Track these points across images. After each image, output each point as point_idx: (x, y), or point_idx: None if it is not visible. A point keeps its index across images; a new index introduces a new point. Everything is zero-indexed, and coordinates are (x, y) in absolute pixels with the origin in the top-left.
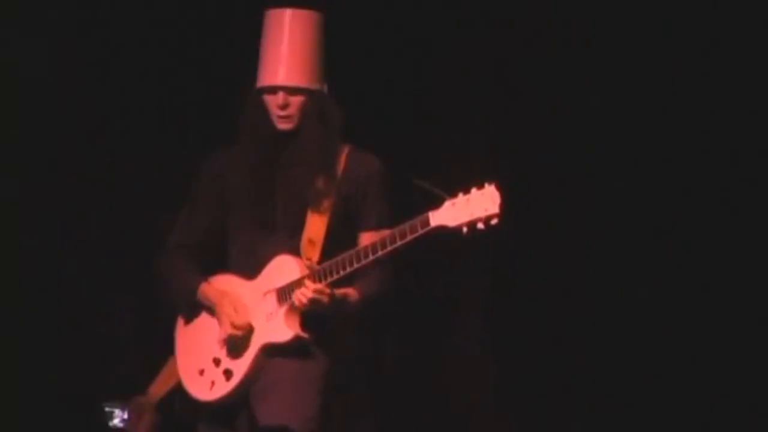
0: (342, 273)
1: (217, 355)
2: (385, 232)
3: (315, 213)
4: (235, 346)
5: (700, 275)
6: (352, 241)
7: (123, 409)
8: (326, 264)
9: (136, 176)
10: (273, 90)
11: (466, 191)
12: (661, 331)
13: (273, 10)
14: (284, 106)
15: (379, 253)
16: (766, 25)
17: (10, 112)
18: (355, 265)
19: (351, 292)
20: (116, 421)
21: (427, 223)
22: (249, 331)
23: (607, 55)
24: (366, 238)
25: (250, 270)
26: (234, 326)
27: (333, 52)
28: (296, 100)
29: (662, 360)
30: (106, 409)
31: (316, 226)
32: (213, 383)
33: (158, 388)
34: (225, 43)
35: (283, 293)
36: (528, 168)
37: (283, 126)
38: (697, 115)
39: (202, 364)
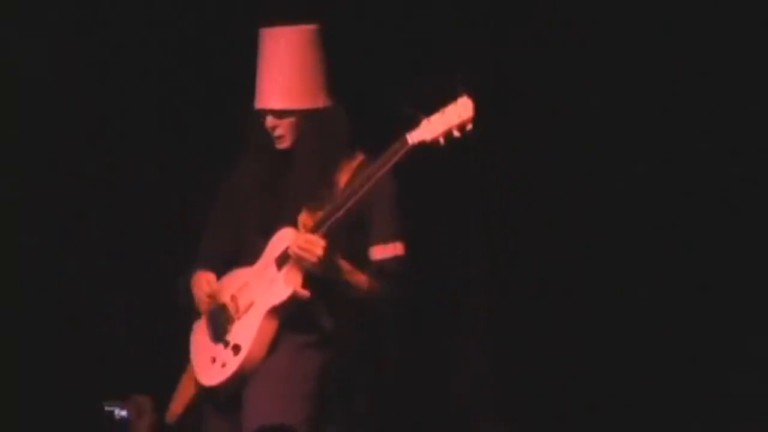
0: (334, 217)
1: (226, 338)
2: (398, 244)
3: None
4: (243, 323)
5: (700, 275)
6: (354, 248)
7: (122, 409)
8: (318, 218)
9: (136, 176)
10: (262, 114)
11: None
12: (661, 331)
13: (262, 29)
14: (273, 128)
15: (367, 185)
16: (766, 25)
17: (10, 112)
18: (347, 205)
19: (360, 275)
20: (117, 419)
21: (405, 142)
22: (219, 299)
23: (606, 55)
24: (375, 252)
25: (252, 260)
26: (209, 295)
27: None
28: (285, 122)
29: (662, 360)
30: (106, 408)
31: (317, 207)
32: (224, 364)
33: (175, 408)
34: (225, 43)
35: (281, 259)
36: (528, 168)
37: (279, 146)
38: (697, 115)
39: (212, 353)
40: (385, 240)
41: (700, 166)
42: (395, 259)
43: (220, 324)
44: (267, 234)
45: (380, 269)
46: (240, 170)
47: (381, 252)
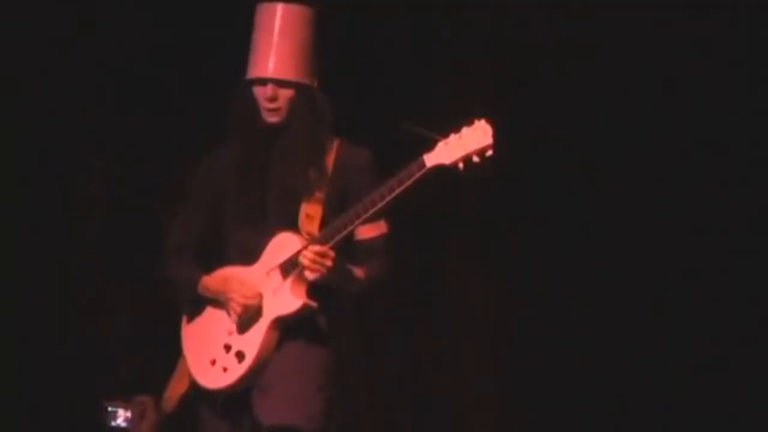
0: (344, 231)
1: (227, 342)
2: (382, 225)
3: (308, 201)
4: (245, 328)
5: (702, 278)
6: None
7: (126, 409)
8: (326, 229)
9: (137, 176)
10: (262, 82)
11: (457, 131)
12: (662, 332)
13: (264, 3)
14: (273, 99)
15: (380, 204)
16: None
17: (10, 112)
18: (357, 222)
19: (357, 269)
20: (119, 421)
21: (423, 165)
22: (260, 302)
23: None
24: (363, 231)
25: (248, 263)
26: (245, 297)
27: (326, 47)
28: (285, 93)
29: (663, 361)
30: (109, 408)
31: (312, 207)
32: (226, 369)
33: (172, 394)
34: (226, 42)
35: (287, 266)
36: (527, 168)
37: (271, 119)
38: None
39: (212, 355)
40: (370, 219)
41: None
42: (382, 237)
43: (221, 325)
44: (260, 223)
45: (368, 248)
46: (217, 156)
47: (368, 231)
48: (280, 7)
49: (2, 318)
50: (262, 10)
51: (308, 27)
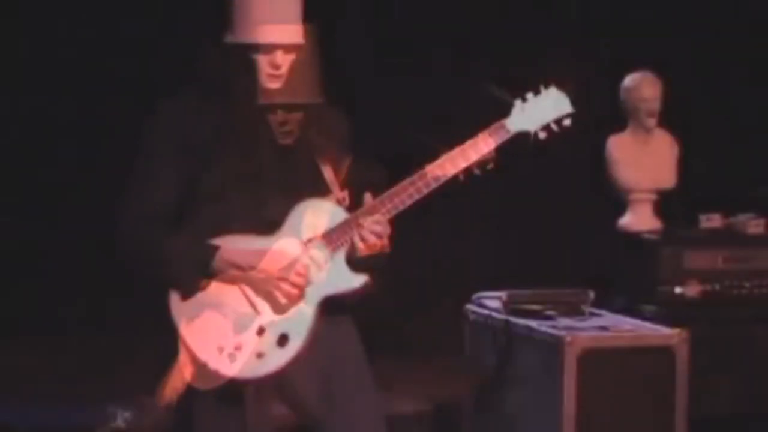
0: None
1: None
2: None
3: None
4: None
5: None
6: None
7: (126, 410)
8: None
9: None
10: (267, 49)
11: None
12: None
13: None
14: (278, 67)
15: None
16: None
17: (11, 111)
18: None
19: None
20: (119, 421)
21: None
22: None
23: None
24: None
25: (257, 227)
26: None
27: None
28: (293, 117)
29: None
30: (109, 409)
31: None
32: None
33: (168, 389)
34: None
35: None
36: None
37: (271, 85)
38: None
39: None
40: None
41: None
42: (383, 255)
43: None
44: (258, 191)
45: (369, 263)
46: (184, 106)
47: (370, 248)
48: (279, 28)
49: (3, 316)
50: (259, 32)
51: (306, 45)
